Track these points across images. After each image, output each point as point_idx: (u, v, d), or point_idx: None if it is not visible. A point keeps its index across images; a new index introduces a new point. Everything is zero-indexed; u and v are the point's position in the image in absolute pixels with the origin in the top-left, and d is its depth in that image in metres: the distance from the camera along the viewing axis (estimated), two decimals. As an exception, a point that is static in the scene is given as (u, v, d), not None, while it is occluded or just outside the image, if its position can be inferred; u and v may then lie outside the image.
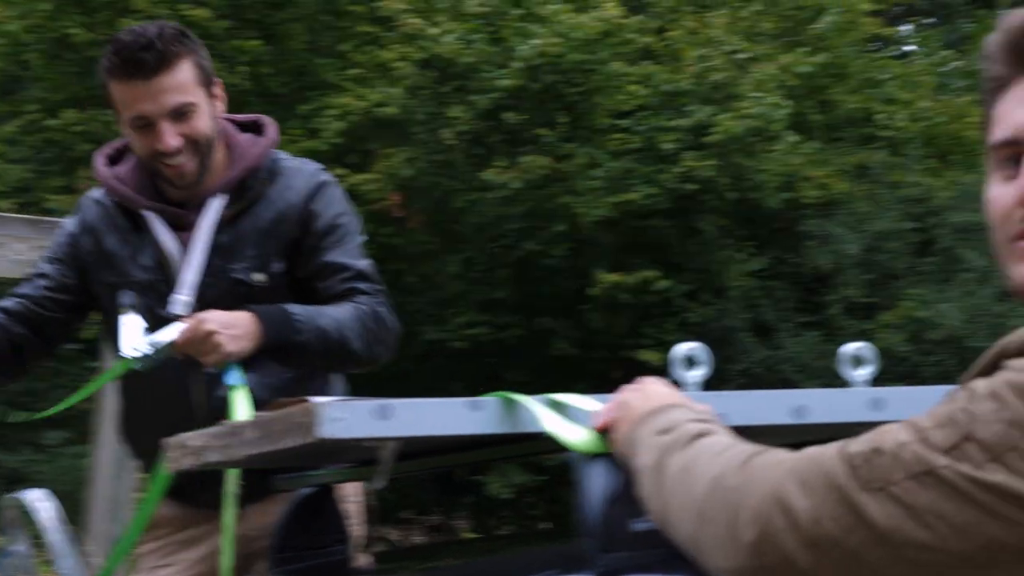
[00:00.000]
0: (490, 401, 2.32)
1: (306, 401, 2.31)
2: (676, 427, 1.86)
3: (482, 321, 13.53)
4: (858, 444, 1.59)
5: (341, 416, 2.24)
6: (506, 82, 12.78)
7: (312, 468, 3.02)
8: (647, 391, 2.04)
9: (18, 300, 3.66)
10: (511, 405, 2.33)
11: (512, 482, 13.46)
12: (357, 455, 2.67)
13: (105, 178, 3.62)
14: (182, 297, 3.49)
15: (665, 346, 2.43)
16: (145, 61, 3.40)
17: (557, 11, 12.94)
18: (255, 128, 3.69)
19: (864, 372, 2.55)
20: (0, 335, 3.58)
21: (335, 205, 3.60)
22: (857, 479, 1.55)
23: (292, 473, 3.09)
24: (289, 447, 2.36)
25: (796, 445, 2.73)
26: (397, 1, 12.95)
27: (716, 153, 12.92)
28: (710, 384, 2.33)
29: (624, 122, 13.26)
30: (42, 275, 3.69)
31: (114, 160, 3.68)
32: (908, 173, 14.28)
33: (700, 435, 1.81)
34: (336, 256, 3.55)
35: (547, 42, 12.67)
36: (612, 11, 13.04)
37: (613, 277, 13.02)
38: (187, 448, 2.71)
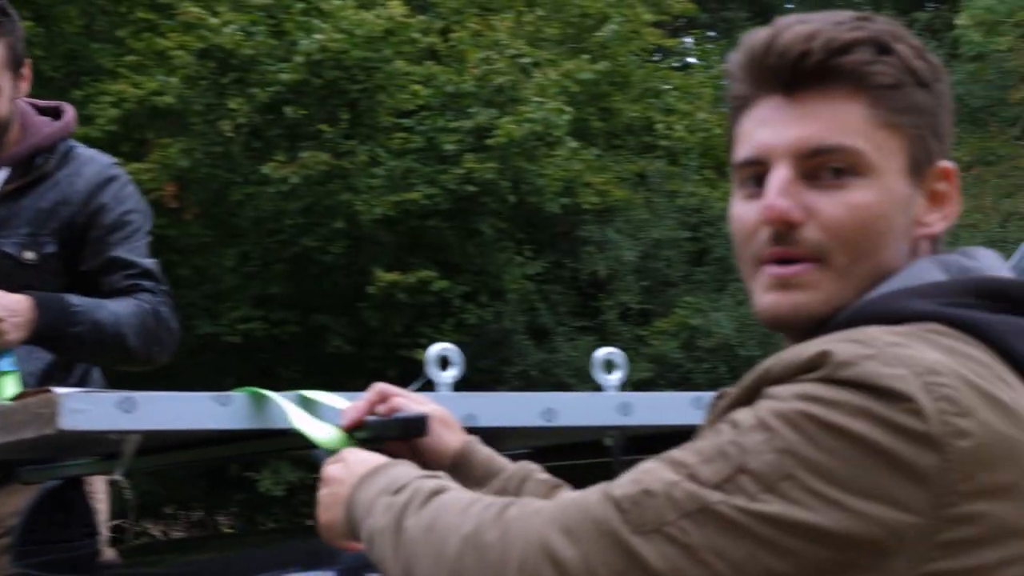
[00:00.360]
0: (238, 396, 2.29)
1: (48, 392, 2.26)
2: (407, 484, 1.77)
3: (257, 316, 13.40)
4: (623, 487, 1.54)
5: (83, 408, 2.19)
6: (287, 76, 12.68)
7: (60, 460, 2.96)
8: (349, 460, 1.95)
9: None
10: (260, 401, 2.30)
11: (284, 479, 13.34)
12: (104, 447, 2.62)
13: None
14: None
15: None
16: None
17: (341, 7, 12.88)
18: (55, 114, 3.63)
19: (614, 377, 2.56)
20: None
21: (126, 201, 3.57)
22: (628, 523, 1.50)
23: (38, 464, 3.02)
24: (29, 438, 2.31)
25: (547, 448, 2.75)
26: (177, -12, 12.79)
27: (497, 156, 12.98)
28: (486, 384, 2.33)
29: (406, 121, 13.26)
30: None
31: None
32: (685, 183, 14.54)
33: (438, 491, 1.72)
34: (122, 252, 3.51)
35: (330, 37, 12.60)
36: (396, 9, 13.02)
37: (391, 276, 12.99)
38: (-75, 437, 2.63)
